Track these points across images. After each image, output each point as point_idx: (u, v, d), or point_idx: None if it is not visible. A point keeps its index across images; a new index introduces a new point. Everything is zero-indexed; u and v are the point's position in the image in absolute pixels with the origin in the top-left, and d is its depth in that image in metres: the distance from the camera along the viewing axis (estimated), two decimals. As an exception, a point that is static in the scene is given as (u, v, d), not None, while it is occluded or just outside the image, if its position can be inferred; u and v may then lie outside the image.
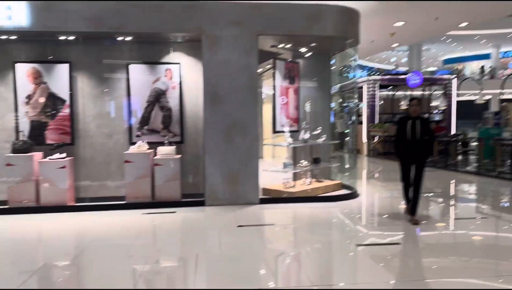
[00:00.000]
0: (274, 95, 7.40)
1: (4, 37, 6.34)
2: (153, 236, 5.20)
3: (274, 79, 7.39)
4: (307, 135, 7.67)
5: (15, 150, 6.32)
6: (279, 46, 7.29)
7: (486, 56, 34.16)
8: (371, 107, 16.16)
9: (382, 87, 16.32)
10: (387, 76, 16.31)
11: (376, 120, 15.87)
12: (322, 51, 7.96)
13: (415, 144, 5.49)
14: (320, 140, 7.91)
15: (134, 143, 6.76)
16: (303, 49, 7.59)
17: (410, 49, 32.60)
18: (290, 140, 7.38)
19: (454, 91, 15.44)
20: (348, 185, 7.94)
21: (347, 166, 9.75)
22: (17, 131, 6.55)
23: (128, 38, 6.62)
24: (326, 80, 8.46)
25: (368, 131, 15.83)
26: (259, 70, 11.51)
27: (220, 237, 5.03)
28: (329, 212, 6.37)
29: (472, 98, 24.98)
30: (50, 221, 5.85)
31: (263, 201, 6.75)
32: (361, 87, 15.69)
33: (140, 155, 6.60)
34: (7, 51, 6.58)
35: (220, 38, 6.48)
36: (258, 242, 4.84)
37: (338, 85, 10.32)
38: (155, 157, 6.65)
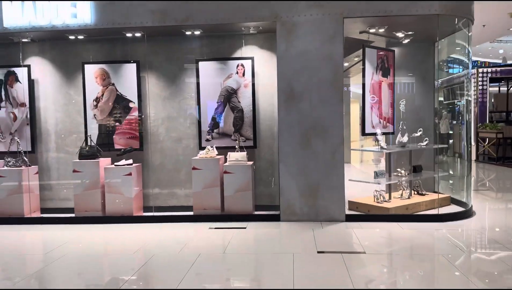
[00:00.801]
0: (363, 90, 6.20)
1: (72, 37, 6.09)
2: (215, 261, 4.39)
3: (364, 71, 6.20)
4: (405, 138, 6.33)
5: (81, 156, 6.03)
6: (370, 31, 6.07)
7: None
8: (480, 104, 13.91)
9: (492, 80, 13.93)
10: (499, 68, 13.80)
11: (487, 120, 13.58)
12: (424, 36, 6.55)
13: None
14: (422, 144, 6.50)
15: (204, 148, 6.10)
16: (400, 34, 6.26)
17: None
18: (383, 144, 6.13)
19: None
20: (459, 199, 6.41)
21: (451, 173, 8.10)
22: (85, 135, 6.27)
23: (197, 32, 5.96)
24: (428, 72, 7.01)
25: (477, 132, 13.61)
26: (346, 64, 10.30)
27: (294, 267, 4.03)
28: (439, 238, 4.98)
29: None
30: (111, 233, 5.39)
31: (350, 218, 5.60)
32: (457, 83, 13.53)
33: (208, 161, 5.90)
34: (76, 52, 6.35)
35: (297, 25, 5.51)
36: (343, 278, 3.75)
37: (444, 78, 8.72)
38: (225, 164, 5.90)
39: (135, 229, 5.54)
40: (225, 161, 5.98)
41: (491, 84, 14.17)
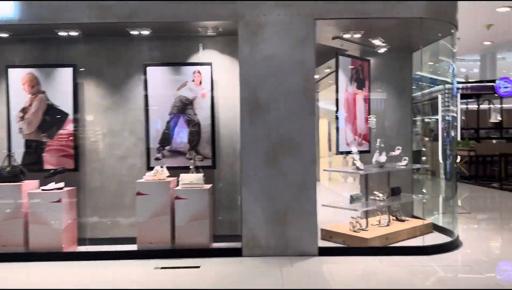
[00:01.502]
0: (337, 102, 5.48)
1: (-7, 35, 5.05)
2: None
3: (337, 81, 5.49)
4: (383, 158, 5.63)
5: (1, 179, 4.93)
6: (344, 37, 5.38)
7: None
8: (449, 121, 13.66)
9: (462, 97, 13.75)
10: (469, 84, 13.66)
11: (458, 137, 13.31)
12: (403, 45, 5.95)
13: None
14: (402, 164, 5.82)
15: (152, 169, 5.14)
16: (377, 41, 5.61)
17: (482, 58, 29.10)
18: (359, 164, 5.39)
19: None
20: (443, 227, 5.74)
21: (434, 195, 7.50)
22: (8, 153, 5.18)
23: (145, 32, 5.06)
24: (406, 84, 6.41)
25: (444, 149, 13.30)
26: (316, 76, 9.65)
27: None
28: (428, 277, 4.22)
29: None
30: (32, 275, 4.31)
31: (323, 252, 4.76)
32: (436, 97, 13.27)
33: (156, 185, 4.95)
34: (-1, 53, 5.30)
35: (263, 26, 4.72)
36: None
37: (425, 91, 8.21)
38: (177, 188, 4.96)
39: (62, 269, 4.47)
40: (177, 184, 5.04)
41: (461, 101, 13.98)
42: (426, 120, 13.19)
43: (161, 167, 5.09)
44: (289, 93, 4.73)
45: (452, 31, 5.42)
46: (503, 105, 13.29)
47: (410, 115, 6.47)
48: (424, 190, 7.12)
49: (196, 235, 4.87)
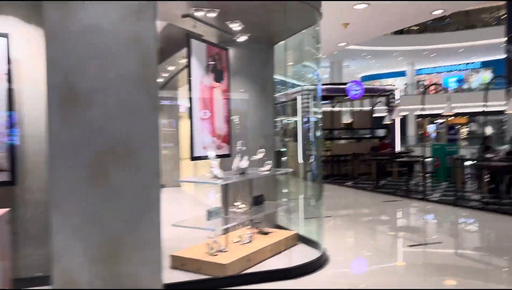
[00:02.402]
0: (190, 96, 4.44)
1: None
2: None
3: (190, 71, 4.45)
4: (244, 163, 4.80)
5: None
6: (195, 15, 4.36)
7: (401, 74, 34.79)
8: (307, 122, 13.98)
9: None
10: (325, 86, 14.18)
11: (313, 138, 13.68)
12: (264, 34, 5.23)
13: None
14: (265, 169, 5.09)
15: None
16: (235, 27, 4.74)
17: (331, 65, 31.85)
18: (218, 171, 4.45)
19: (396, 104, 13.72)
20: (308, 237, 5.19)
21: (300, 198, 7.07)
22: None
23: None
24: (268, 80, 5.74)
25: (305, 150, 13.53)
26: (172, 68, 8.49)
27: None
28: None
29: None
30: None
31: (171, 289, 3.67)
32: (295, 99, 13.44)
33: None
34: None
35: (82, -14, 3.38)
36: None
37: (283, 93, 7.78)
38: None
39: None
40: (-51, 211, 3.35)
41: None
42: (286, 120, 13.08)
43: None
44: (121, 82, 3.47)
45: (317, 19, 4.87)
46: (354, 108, 14.12)
47: (272, 114, 5.82)
48: (287, 196, 6.62)
49: (-22, 286, 3.27)
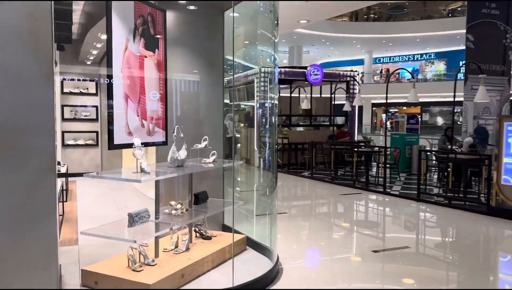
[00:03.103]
0: (109, 67, 3.41)
1: None
2: None
3: (109, 34, 3.41)
4: (182, 153, 3.85)
5: None
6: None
7: (360, 62, 34.81)
8: (263, 107, 13.14)
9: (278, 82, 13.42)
10: (283, 69, 13.36)
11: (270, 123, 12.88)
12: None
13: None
14: (209, 161, 4.17)
15: None
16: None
17: (291, 50, 31.20)
18: (145, 164, 3.47)
19: (357, 90, 13.18)
20: (259, 242, 4.36)
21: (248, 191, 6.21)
22: None
23: None
24: (217, 54, 4.79)
25: (260, 137, 12.72)
26: (104, 36, 7.27)
27: None
28: None
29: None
30: None
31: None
32: (252, 82, 12.53)
33: None
34: None
35: None
36: None
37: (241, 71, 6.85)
38: None
39: None
40: None
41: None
42: (242, 105, 12.10)
43: None
44: (-7, 35, 2.42)
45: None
46: (313, 95, 13.42)
47: (221, 93, 4.89)
48: (238, 187, 5.78)
49: None
